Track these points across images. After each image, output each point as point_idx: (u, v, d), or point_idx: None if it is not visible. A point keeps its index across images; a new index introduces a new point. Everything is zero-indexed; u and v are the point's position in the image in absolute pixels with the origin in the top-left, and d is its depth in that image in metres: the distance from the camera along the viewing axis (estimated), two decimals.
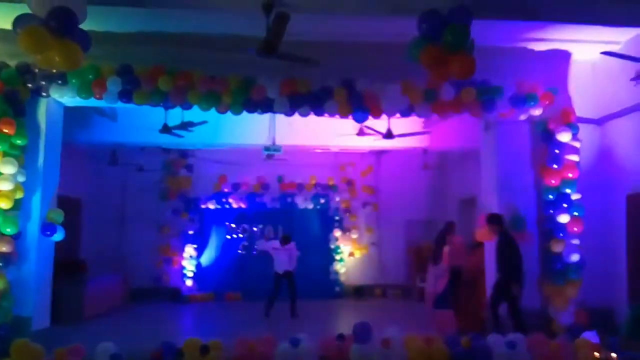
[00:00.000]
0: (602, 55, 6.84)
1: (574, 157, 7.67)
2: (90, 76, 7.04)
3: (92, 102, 7.49)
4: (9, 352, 5.73)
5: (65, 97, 7.30)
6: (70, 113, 8.08)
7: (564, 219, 7.54)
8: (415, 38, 4.98)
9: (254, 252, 13.41)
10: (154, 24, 7.03)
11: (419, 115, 7.65)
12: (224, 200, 13.92)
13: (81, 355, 5.97)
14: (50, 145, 7.56)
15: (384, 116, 7.83)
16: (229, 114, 7.49)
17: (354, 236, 14.27)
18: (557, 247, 7.54)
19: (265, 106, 7.38)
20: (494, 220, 7.69)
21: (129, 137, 10.60)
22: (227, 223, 14.07)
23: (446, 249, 9.25)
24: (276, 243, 11.24)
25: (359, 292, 13.96)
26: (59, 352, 5.88)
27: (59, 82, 7.00)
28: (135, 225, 13.56)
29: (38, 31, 4.77)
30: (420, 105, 7.37)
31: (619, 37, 7.32)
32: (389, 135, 10.09)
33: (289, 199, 14.03)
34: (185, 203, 13.86)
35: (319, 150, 12.96)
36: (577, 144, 7.70)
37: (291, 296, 10.79)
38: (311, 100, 7.34)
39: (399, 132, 10.39)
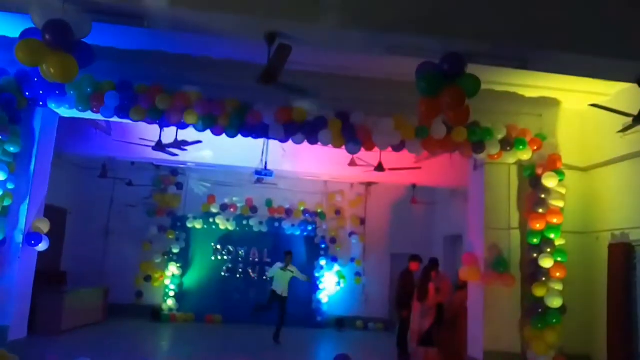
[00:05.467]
0: (591, 106, 7.04)
1: (559, 203, 7.79)
2: (89, 89, 7.10)
3: (88, 114, 7.54)
4: None
5: (62, 108, 7.35)
6: (64, 123, 8.12)
7: (547, 263, 7.62)
8: (430, 72, 5.13)
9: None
10: (156, 44, 7.14)
11: (410, 151, 7.77)
12: (211, 220, 13.90)
13: None
14: (42, 154, 7.57)
15: (376, 149, 7.94)
16: (223, 135, 7.57)
17: (338, 267, 14.26)
18: (539, 291, 7.60)
19: (260, 131, 7.47)
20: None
21: (121, 151, 10.61)
22: (212, 244, 14.02)
23: (431, 285, 9.27)
24: (280, 264, 11.32)
25: (341, 323, 13.88)
26: None
27: (57, 92, 7.06)
28: (119, 240, 13.46)
29: (34, 43, 4.87)
30: (412, 141, 7.50)
31: (607, 90, 7.57)
32: (380, 168, 10.19)
33: (277, 224, 14.04)
34: (172, 221, 13.82)
35: (309, 178, 13.03)
36: (562, 190, 7.84)
37: (279, 321, 10.77)
38: (306, 129, 7.45)
39: (390, 165, 10.51)
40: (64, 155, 10.49)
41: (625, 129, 6.72)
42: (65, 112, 7.64)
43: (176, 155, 10.03)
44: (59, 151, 8.67)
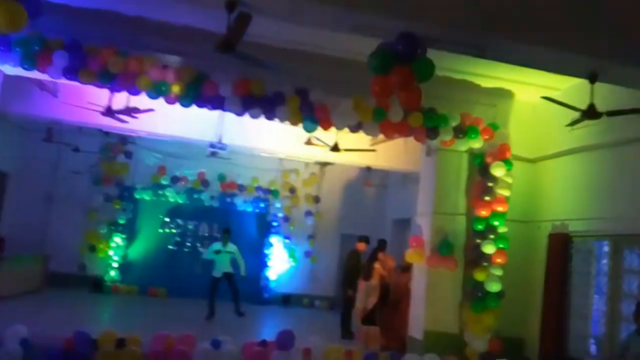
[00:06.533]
0: (543, 99, 7.23)
1: (506, 192, 8.03)
2: (37, 47, 6.73)
3: (34, 73, 7.15)
4: None
5: (7, 66, 6.94)
6: (8, 81, 7.68)
7: (489, 249, 7.86)
8: (383, 51, 5.11)
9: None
10: (111, 3, 6.82)
11: (367, 133, 7.80)
12: (160, 192, 13.60)
13: None
14: None
15: (333, 129, 7.93)
16: (177, 105, 7.36)
17: (292, 246, 14.27)
18: (479, 276, 7.85)
19: (216, 103, 7.30)
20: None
21: (68, 115, 10.15)
22: (160, 216, 13.74)
23: (377, 265, 9.43)
24: (218, 245, 11.06)
25: (287, 300, 13.97)
26: None
27: (2, 48, 6.65)
28: (63, 208, 13.02)
29: None
30: (369, 123, 7.53)
31: (559, 85, 7.81)
32: (335, 148, 10.21)
33: (229, 199, 13.90)
34: (119, 190, 13.44)
35: (264, 154, 12.91)
36: (509, 180, 8.08)
37: (234, 296, 10.71)
38: (263, 103, 7.32)
39: (346, 146, 10.53)
40: (7, 116, 9.98)
41: (573, 123, 6.94)
42: (9, 69, 7.22)
43: (126, 122, 9.69)
44: (1, 111, 8.24)
